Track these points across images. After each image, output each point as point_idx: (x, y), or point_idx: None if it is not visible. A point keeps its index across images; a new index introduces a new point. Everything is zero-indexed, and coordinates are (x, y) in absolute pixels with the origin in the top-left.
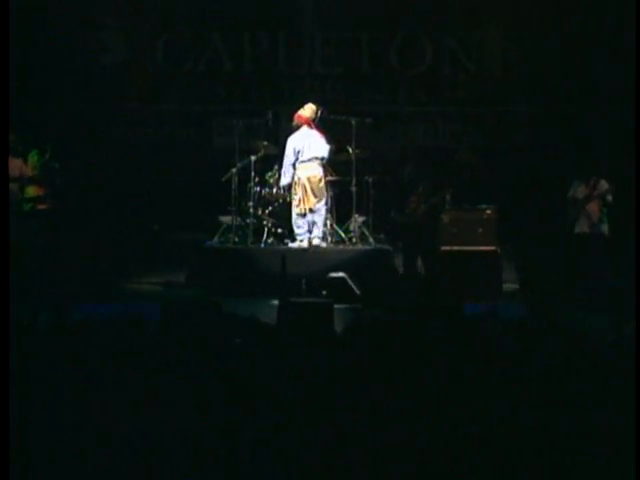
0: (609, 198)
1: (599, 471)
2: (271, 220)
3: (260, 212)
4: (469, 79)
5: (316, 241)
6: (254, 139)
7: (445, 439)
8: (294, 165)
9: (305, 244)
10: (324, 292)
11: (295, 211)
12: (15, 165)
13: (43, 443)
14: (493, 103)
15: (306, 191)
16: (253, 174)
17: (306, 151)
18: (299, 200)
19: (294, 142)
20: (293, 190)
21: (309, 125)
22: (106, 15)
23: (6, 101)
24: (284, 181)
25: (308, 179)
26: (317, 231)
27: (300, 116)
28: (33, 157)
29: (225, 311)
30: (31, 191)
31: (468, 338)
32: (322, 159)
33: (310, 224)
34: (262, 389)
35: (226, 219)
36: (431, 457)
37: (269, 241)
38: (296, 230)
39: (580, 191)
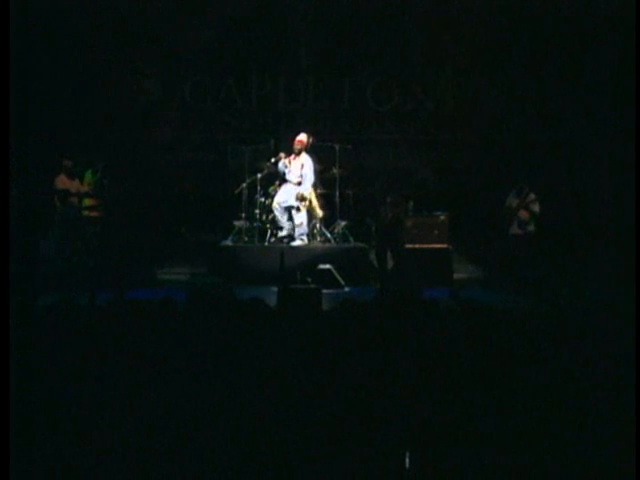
0: (536, 207)
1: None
2: (273, 224)
3: (264, 218)
4: (427, 114)
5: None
6: (260, 161)
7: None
8: None
9: (300, 243)
10: (309, 279)
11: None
12: (74, 183)
13: (101, 397)
14: (445, 132)
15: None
16: (259, 188)
17: None
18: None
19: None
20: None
21: (306, 150)
22: (145, 65)
23: (6, 104)
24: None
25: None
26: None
27: (302, 142)
28: (88, 176)
29: (236, 295)
30: (87, 202)
31: (425, 315)
32: None
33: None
34: (265, 357)
35: (238, 223)
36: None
37: (271, 240)
38: (303, 230)
39: (513, 201)
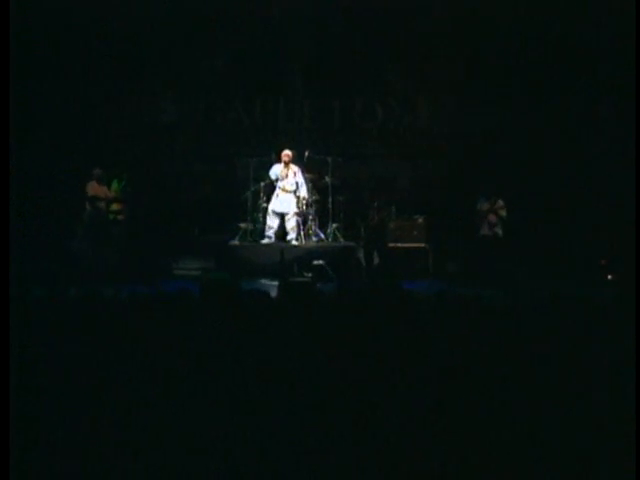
0: (503, 212)
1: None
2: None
3: (266, 221)
4: (406, 131)
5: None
6: (263, 171)
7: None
8: None
9: (297, 242)
10: (309, 274)
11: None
12: (102, 190)
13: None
14: (423, 146)
15: None
16: (262, 194)
17: None
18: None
19: None
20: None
21: (293, 162)
22: (165, 89)
23: (6, 106)
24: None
25: None
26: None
27: (288, 155)
28: (114, 184)
29: (243, 288)
30: (113, 207)
31: (405, 304)
32: None
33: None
34: (267, 341)
35: (244, 225)
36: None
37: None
38: (295, 232)
39: (484, 206)
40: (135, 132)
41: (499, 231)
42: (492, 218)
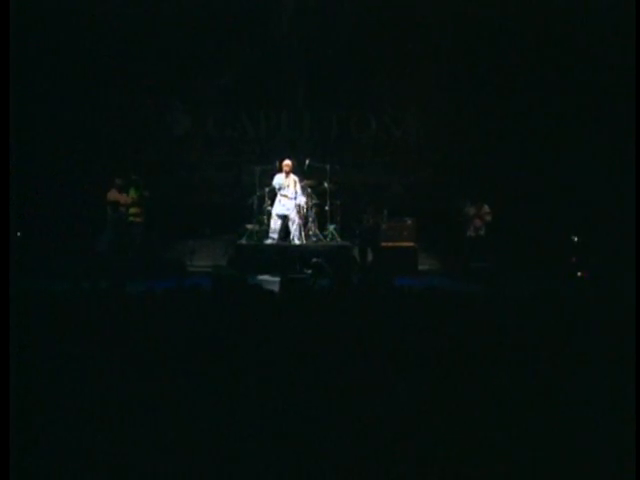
0: (489, 217)
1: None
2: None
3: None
4: (396, 141)
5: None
6: (267, 178)
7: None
8: None
9: (298, 242)
10: (309, 271)
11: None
12: (122, 195)
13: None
14: (411, 154)
15: None
16: (266, 199)
17: None
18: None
19: None
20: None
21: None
22: (178, 103)
23: (6, 109)
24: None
25: None
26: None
27: (289, 164)
28: (132, 191)
29: (249, 283)
30: (132, 211)
31: (396, 298)
32: None
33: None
34: (270, 330)
35: (250, 226)
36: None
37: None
38: (297, 232)
39: (470, 210)
40: (152, 143)
41: (483, 233)
42: (478, 222)
